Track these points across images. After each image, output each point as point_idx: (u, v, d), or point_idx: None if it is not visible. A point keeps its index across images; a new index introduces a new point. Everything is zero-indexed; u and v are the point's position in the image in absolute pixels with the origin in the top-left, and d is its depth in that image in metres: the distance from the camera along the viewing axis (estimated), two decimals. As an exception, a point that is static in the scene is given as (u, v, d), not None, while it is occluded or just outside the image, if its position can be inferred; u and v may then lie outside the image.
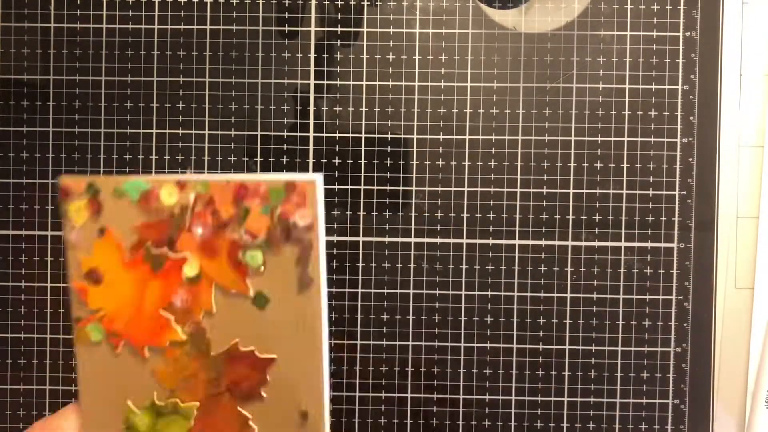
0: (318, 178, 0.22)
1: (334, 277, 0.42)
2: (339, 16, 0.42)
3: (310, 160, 0.42)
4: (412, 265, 0.42)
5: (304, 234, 0.23)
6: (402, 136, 0.42)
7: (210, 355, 0.24)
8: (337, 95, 0.42)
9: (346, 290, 0.42)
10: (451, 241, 0.42)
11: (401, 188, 0.42)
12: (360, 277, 0.42)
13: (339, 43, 0.42)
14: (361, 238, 0.42)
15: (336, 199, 0.42)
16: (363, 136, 0.42)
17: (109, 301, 0.24)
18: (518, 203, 0.41)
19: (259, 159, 0.42)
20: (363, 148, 0.42)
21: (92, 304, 0.24)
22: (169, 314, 0.24)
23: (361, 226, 0.42)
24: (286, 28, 0.42)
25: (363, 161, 0.42)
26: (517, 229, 0.42)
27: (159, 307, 0.24)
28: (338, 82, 0.42)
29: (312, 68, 0.42)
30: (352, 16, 0.42)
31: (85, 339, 0.24)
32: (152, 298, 0.24)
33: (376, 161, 0.42)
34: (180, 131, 0.42)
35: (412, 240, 0.42)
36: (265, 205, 0.23)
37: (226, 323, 0.23)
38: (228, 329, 0.23)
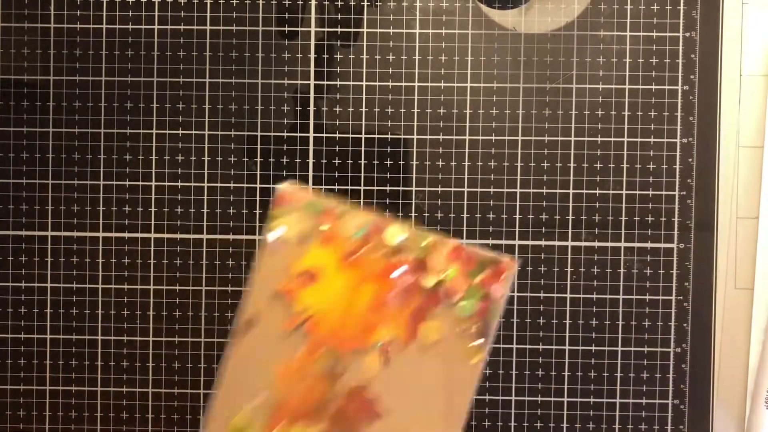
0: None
1: (334, 277, 0.42)
2: (339, 16, 0.42)
3: (310, 160, 0.42)
4: (412, 265, 0.41)
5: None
6: (402, 136, 0.42)
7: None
8: (337, 95, 0.42)
9: (346, 290, 0.41)
10: (451, 241, 0.41)
11: (401, 188, 0.42)
12: (360, 277, 0.41)
13: (339, 43, 0.42)
14: (361, 238, 0.42)
15: (336, 199, 0.42)
16: (363, 136, 0.42)
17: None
18: (518, 203, 0.41)
19: (259, 159, 0.42)
20: (363, 148, 0.42)
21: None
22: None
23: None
24: (286, 28, 0.42)
25: (363, 161, 0.42)
26: (517, 229, 0.42)
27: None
28: (338, 83, 0.42)
29: (312, 68, 0.42)
30: (352, 16, 0.42)
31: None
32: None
33: (376, 161, 0.42)
34: (180, 131, 0.42)
35: (412, 240, 0.42)
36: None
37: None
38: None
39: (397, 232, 0.26)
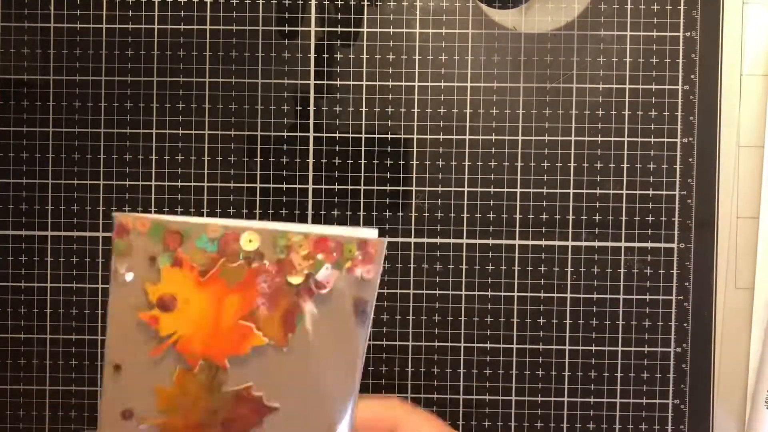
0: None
1: (334, 277, 0.42)
2: (339, 16, 0.42)
3: (310, 160, 0.42)
4: (412, 265, 0.42)
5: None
6: (402, 136, 0.42)
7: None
8: (337, 95, 0.42)
9: (346, 290, 0.41)
10: (451, 241, 0.42)
11: (401, 188, 0.42)
12: (360, 277, 0.41)
13: (339, 43, 0.42)
14: (361, 238, 0.42)
15: (336, 199, 0.42)
16: (363, 136, 0.42)
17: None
18: (518, 203, 0.41)
19: (259, 159, 0.42)
20: (363, 148, 0.42)
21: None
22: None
23: (361, 226, 0.42)
24: (286, 28, 0.42)
25: (363, 161, 0.42)
26: (517, 229, 0.42)
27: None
28: (338, 82, 0.42)
29: (312, 68, 0.42)
30: (352, 16, 0.42)
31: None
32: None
33: (376, 161, 0.42)
34: (180, 131, 0.42)
35: (412, 240, 0.42)
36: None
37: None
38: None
39: (251, 237, 0.25)
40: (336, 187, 0.42)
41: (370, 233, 0.25)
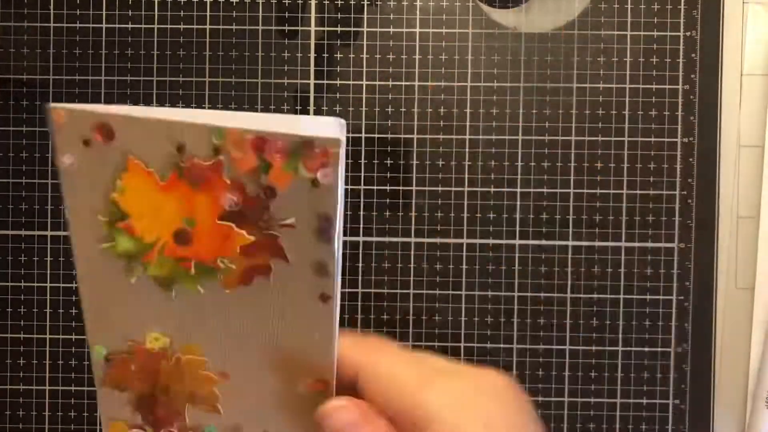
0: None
1: (334, 277, 0.42)
2: (339, 16, 0.42)
3: (310, 160, 0.42)
4: (412, 265, 0.41)
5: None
6: (402, 136, 0.42)
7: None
8: (337, 95, 0.42)
9: (346, 290, 0.42)
10: (451, 241, 0.41)
11: (401, 188, 0.42)
12: (360, 277, 0.41)
13: (339, 43, 0.42)
14: (361, 238, 0.42)
15: (336, 199, 0.42)
16: (363, 136, 0.42)
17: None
18: (518, 203, 0.41)
19: (259, 159, 0.42)
20: (363, 148, 0.42)
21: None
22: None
23: (361, 226, 0.42)
24: (286, 28, 0.42)
25: (363, 161, 0.42)
26: (517, 229, 0.41)
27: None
28: (338, 82, 0.42)
29: (312, 68, 0.42)
30: (352, 16, 0.42)
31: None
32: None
33: (376, 161, 0.42)
34: (180, 131, 0.42)
35: (412, 240, 0.42)
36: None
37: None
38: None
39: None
40: (336, 187, 0.42)
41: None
